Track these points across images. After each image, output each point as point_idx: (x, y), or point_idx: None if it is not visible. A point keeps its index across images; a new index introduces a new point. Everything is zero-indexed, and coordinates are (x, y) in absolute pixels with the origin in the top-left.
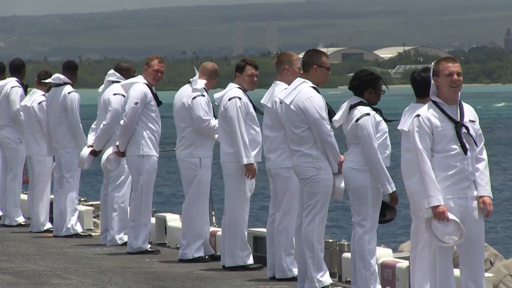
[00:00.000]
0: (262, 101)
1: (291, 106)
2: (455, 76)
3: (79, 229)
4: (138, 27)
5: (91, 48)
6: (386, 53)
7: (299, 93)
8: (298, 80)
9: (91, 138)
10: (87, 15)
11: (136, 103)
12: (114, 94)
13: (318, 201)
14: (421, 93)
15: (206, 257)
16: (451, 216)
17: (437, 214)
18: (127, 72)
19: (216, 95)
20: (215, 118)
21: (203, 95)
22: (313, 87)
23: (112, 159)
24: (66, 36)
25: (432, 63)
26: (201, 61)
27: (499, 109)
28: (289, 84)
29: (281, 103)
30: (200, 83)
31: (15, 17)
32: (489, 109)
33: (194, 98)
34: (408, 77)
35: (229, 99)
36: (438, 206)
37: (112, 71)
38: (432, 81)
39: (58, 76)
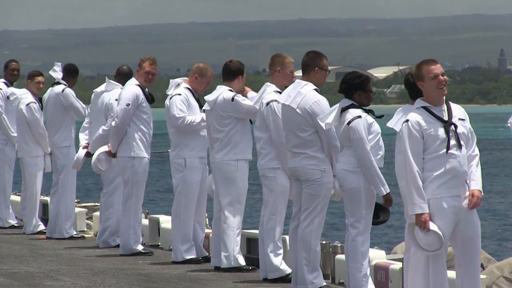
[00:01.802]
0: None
1: (297, 110)
2: (441, 77)
3: (72, 232)
4: (130, 43)
5: (83, 64)
6: (380, 73)
7: (305, 96)
8: (300, 82)
9: (82, 137)
10: (79, 31)
11: (128, 105)
12: (116, 100)
13: (319, 204)
14: (415, 95)
15: (200, 258)
16: (432, 226)
17: (419, 223)
18: (120, 76)
19: (208, 97)
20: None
21: (179, 94)
22: (316, 90)
23: (103, 159)
24: (58, 51)
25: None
26: None
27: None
28: (279, 86)
29: (267, 105)
30: (173, 88)
31: (7, 32)
32: (492, 133)
33: (170, 98)
34: (404, 97)
35: (232, 99)
36: (421, 214)
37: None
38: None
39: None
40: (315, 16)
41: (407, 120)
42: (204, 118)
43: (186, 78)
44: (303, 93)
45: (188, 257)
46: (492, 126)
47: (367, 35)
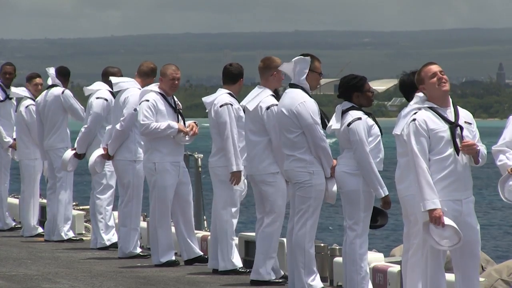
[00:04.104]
0: (243, 103)
1: (284, 111)
2: (439, 74)
3: (70, 234)
4: (126, 54)
5: (80, 74)
6: (378, 85)
7: (292, 98)
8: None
9: None
10: (75, 40)
11: (135, 109)
12: (97, 98)
13: (310, 206)
14: (411, 96)
15: (176, 261)
16: (447, 221)
17: (433, 219)
18: (107, 77)
19: (206, 100)
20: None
21: (147, 100)
22: (306, 92)
23: (98, 161)
24: (54, 60)
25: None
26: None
27: None
28: (273, 90)
29: (267, 109)
30: (150, 90)
31: (2, 41)
32: None
33: (140, 104)
34: None
35: (221, 106)
36: (434, 210)
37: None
38: (420, 93)
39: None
40: (311, 28)
41: (414, 119)
42: (171, 125)
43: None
44: (291, 94)
45: (163, 261)
46: (495, 141)
47: (363, 47)
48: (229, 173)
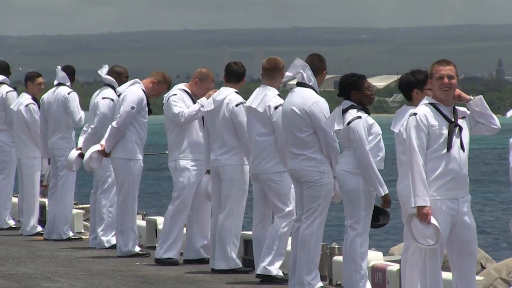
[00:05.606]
0: (250, 104)
1: (296, 110)
2: (446, 80)
3: (69, 234)
4: (123, 50)
5: (79, 70)
6: (377, 81)
7: (303, 97)
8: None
9: (81, 140)
10: (72, 37)
11: (133, 108)
12: (103, 98)
13: (320, 205)
14: (409, 96)
15: (176, 260)
16: (433, 220)
17: (421, 215)
18: (118, 76)
19: (215, 97)
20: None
21: (175, 94)
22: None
23: (95, 157)
24: (52, 57)
25: None
26: None
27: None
28: (277, 89)
29: (275, 108)
30: (175, 88)
31: (0, 38)
32: (497, 143)
33: (167, 100)
34: None
35: (237, 105)
36: (424, 207)
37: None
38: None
39: (60, 75)
40: (308, 24)
41: (415, 114)
42: (202, 103)
43: (187, 84)
44: (301, 93)
45: (165, 257)
46: (496, 137)
47: (361, 44)
48: (243, 172)
